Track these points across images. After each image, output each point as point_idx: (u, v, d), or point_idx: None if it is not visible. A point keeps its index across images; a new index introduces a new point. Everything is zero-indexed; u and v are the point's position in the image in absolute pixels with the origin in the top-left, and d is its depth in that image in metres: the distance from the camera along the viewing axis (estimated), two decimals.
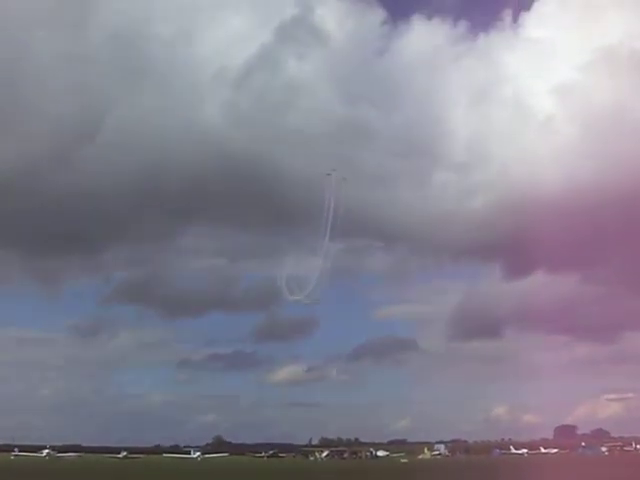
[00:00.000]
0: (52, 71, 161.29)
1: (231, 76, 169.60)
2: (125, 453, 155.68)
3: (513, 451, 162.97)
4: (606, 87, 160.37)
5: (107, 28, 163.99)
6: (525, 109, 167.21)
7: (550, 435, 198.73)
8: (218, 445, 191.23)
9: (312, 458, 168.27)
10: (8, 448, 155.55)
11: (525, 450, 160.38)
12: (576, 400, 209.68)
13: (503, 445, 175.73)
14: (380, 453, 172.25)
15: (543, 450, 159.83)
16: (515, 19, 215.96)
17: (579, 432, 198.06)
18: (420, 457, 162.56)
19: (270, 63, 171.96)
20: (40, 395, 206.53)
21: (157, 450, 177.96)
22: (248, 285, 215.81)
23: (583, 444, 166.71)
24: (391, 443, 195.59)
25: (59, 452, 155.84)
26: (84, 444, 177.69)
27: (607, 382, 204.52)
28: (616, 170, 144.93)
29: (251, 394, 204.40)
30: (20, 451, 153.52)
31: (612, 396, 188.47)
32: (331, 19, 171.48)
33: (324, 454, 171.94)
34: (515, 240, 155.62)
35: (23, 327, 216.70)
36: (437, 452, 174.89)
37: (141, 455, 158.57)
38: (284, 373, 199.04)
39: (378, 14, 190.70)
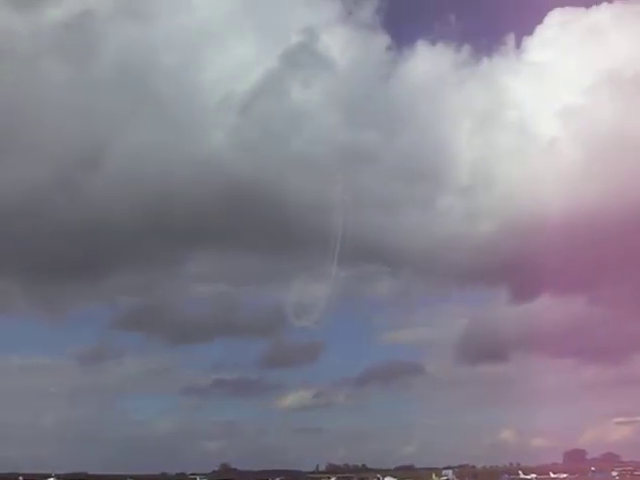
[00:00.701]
0: (57, 99, 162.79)
1: (236, 102, 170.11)
2: None
3: (522, 476, 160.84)
4: (610, 110, 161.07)
5: (112, 57, 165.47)
6: (529, 133, 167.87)
7: (559, 459, 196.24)
8: (224, 472, 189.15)
9: None
10: (13, 476, 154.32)
11: (534, 475, 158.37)
12: (585, 423, 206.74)
13: (511, 470, 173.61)
14: (387, 479, 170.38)
15: (552, 475, 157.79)
16: (518, 44, 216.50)
17: (589, 456, 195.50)
18: None
19: (275, 89, 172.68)
20: (44, 422, 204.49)
21: (163, 478, 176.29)
22: (254, 311, 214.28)
23: (593, 468, 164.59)
24: (398, 469, 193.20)
25: None
26: (89, 471, 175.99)
27: (616, 405, 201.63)
28: (621, 192, 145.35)
29: (257, 420, 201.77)
30: (25, 479, 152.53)
31: (621, 419, 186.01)
32: (336, 45, 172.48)
33: None
34: (521, 263, 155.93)
35: (26, 354, 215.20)
36: (445, 477, 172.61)
37: None
38: (290, 399, 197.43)
39: (383, 40, 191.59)
